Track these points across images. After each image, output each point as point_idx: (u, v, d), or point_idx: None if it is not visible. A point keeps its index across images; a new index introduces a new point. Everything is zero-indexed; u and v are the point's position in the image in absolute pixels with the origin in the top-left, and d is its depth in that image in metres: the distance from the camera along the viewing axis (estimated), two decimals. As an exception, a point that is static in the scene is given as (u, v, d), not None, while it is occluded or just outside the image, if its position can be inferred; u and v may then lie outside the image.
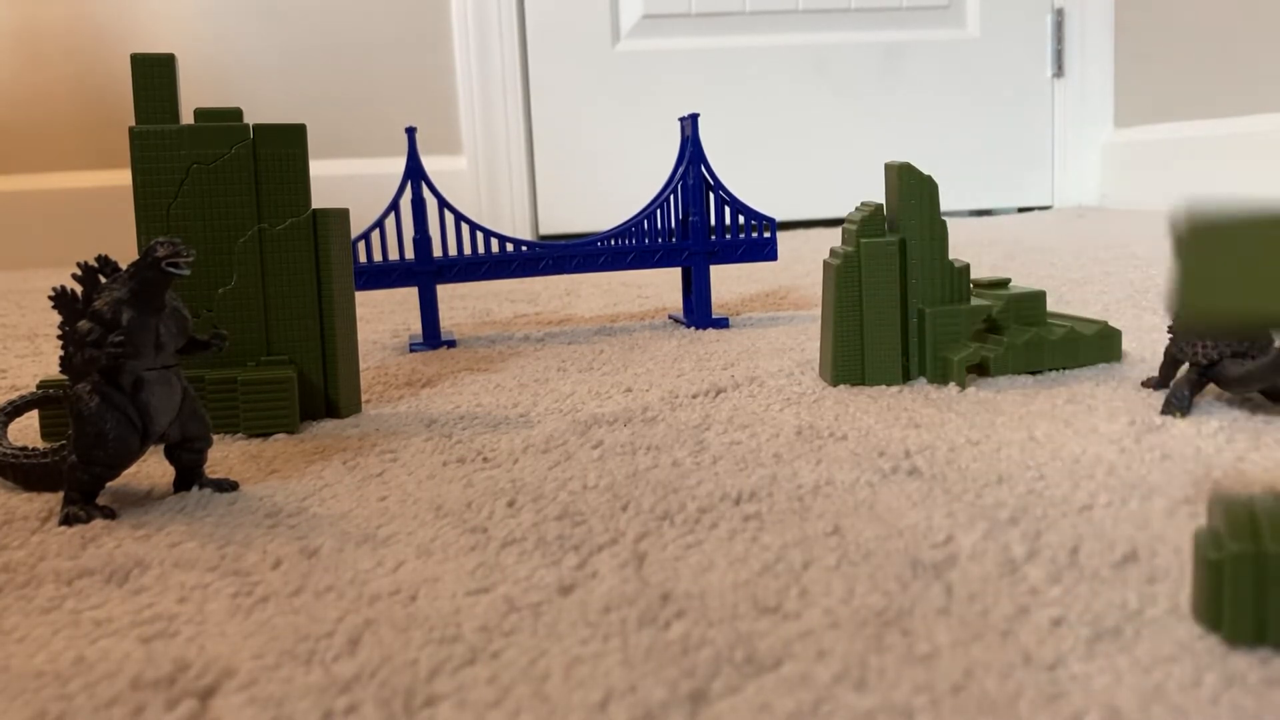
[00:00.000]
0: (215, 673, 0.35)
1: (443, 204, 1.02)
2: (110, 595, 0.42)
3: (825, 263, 0.76)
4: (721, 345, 0.94)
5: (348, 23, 2.25)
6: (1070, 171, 2.49)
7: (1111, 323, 0.92)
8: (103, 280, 0.54)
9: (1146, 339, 0.85)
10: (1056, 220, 2.18)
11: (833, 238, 2.08)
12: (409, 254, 1.26)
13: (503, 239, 1.02)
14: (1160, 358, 0.76)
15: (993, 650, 0.34)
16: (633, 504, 0.51)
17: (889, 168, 0.75)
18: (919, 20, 2.41)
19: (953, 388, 0.71)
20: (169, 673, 0.35)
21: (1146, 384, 0.69)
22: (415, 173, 1.00)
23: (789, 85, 2.39)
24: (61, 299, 0.53)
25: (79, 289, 0.68)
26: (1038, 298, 0.78)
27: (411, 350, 1.00)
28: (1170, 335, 0.66)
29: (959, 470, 0.54)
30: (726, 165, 2.26)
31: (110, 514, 0.52)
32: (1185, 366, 0.65)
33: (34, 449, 0.58)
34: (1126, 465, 0.53)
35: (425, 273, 1.00)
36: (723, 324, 1.06)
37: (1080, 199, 2.50)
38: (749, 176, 2.36)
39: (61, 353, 0.59)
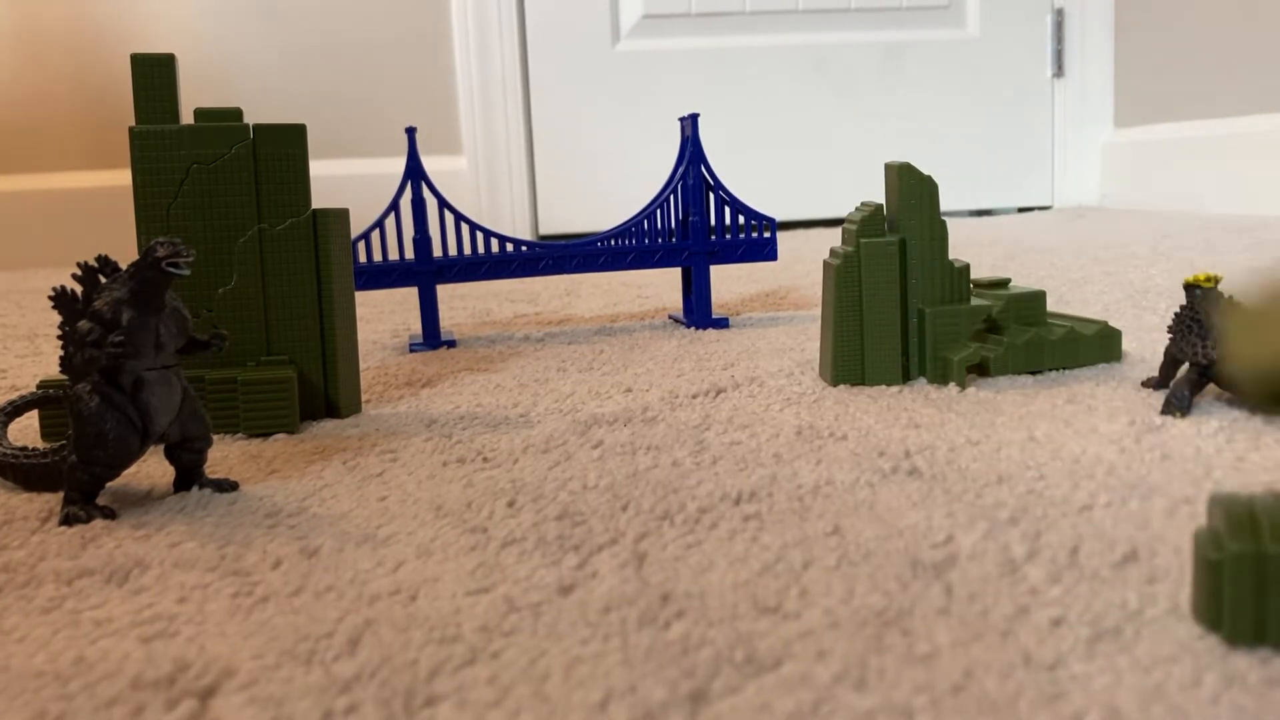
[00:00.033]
0: (215, 673, 0.35)
1: (443, 204, 1.02)
2: (110, 595, 0.42)
3: (825, 263, 0.76)
4: (721, 345, 0.94)
5: (348, 23, 2.25)
6: (1070, 171, 2.49)
7: (1111, 323, 0.92)
8: (103, 280, 0.54)
9: (1146, 339, 0.85)
10: (1056, 220, 2.18)
11: (833, 238, 2.08)
12: (409, 254, 1.25)
13: (503, 239, 1.02)
14: (1160, 358, 0.76)
15: (993, 650, 0.34)
16: (633, 504, 0.51)
17: (889, 168, 0.75)
18: (919, 20, 2.41)
19: (953, 388, 0.71)
20: (169, 673, 0.35)
21: (1146, 384, 0.69)
22: (415, 173, 1.00)
23: (789, 85, 2.39)
24: (61, 299, 0.53)
25: (79, 289, 0.68)
26: (1038, 298, 0.78)
27: (411, 350, 1.00)
28: (1170, 335, 0.66)
29: (959, 470, 0.54)
30: (726, 165, 2.27)
31: (110, 514, 0.52)
32: (1185, 366, 0.65)
33: (34, 449, 0.58)
34: (1126, 465, 0.53)
35: (425, 273, 1.00)
36: (723, 324, 1.06)
37: (1080, 199, 2.50)
38: (749, 176, 2.36)
39: (61, 353, 0.59)
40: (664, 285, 1.43)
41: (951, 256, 0.75)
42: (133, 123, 0.79)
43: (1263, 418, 0.61)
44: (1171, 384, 0.66)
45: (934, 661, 0.34)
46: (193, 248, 0.55)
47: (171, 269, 0.51)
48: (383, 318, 1.24)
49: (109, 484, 0.55)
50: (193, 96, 2.15)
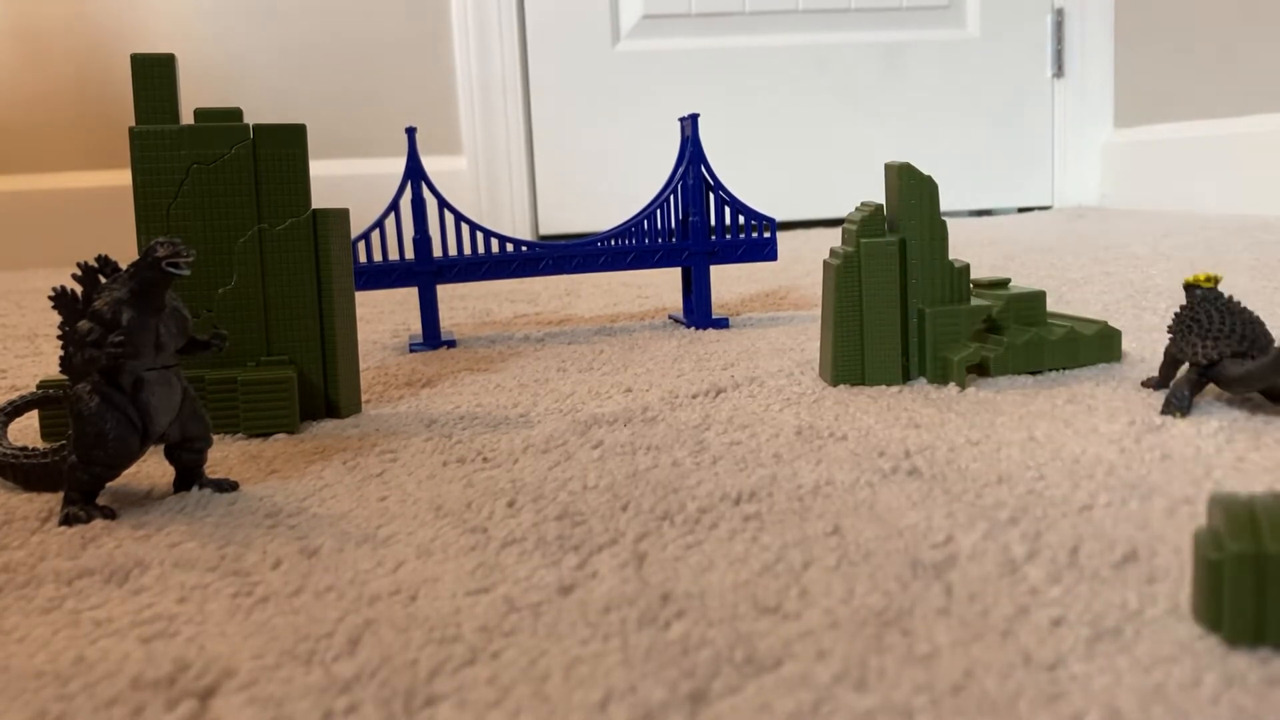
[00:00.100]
0: (215, 673, 0.35)
1: (443, 204, 1.02)
2: (110, 595, 0.42)
3: (825, 263, 0.76)
4: (721, 345, 0.94)
5: (347, 23, 2.25)
6: (1070, 172, 2.49)
7: (1111, 323, 0.92)
8: (103, 280, 0.54)
9: (1146, 339, 0.85)
10: (1056, 220, 2.18)
11: (833, 238, 2.08)
12: (409, 254, 1.25)
13: (503, 239, 1.02)
14: (1160, 358, 0.76)
15: (993, 650, 0.34)
16: (633, 504, 0.51)
17: (889, 168, 0.75)
18: (919, 20, 2.41)
19: (953, 388, 0.71)
20: (169, 673, 0.35)
21: (1146, 384, 0.69)
22: (415, 173, 1.00)
23: (789, 85, 2.39)
24: (61, 299, 0.53)
25: (79, 289, 0.68)
26: (1037, 298, 0.78)
27: (411, 350, 1.00)
28: (1170, 335, 0.66)
29: (959, 470, 0.54)
30: (726, 165, 2.27)
31: (110, 514, 0.52)
32: (1185, 366, 0.65)
33: (34, 449, 0.58)
34: (1126, 465, 0.53)
35: (425, 273, 1.00)
36: (723, 324, 1.06)
37: (1080, 199, 2.50)
38: (749, 176, 2.36)
39: (61, 353, 0.59)
40: (664, 285, 1.43)
41: (951, 256, 0.75)
42: (133, 123, 0.79)
43: (1263, 417, 0.61)
44: (1171, 384, 0.66)
45: (934, 661, 0.34)
46: (193, 248, 0.55)
47: (171, 269, 0.51)
48: (383, 318, 1.24)
49: (109, 484, 0.55)
50: (193, 96, 2.15)
